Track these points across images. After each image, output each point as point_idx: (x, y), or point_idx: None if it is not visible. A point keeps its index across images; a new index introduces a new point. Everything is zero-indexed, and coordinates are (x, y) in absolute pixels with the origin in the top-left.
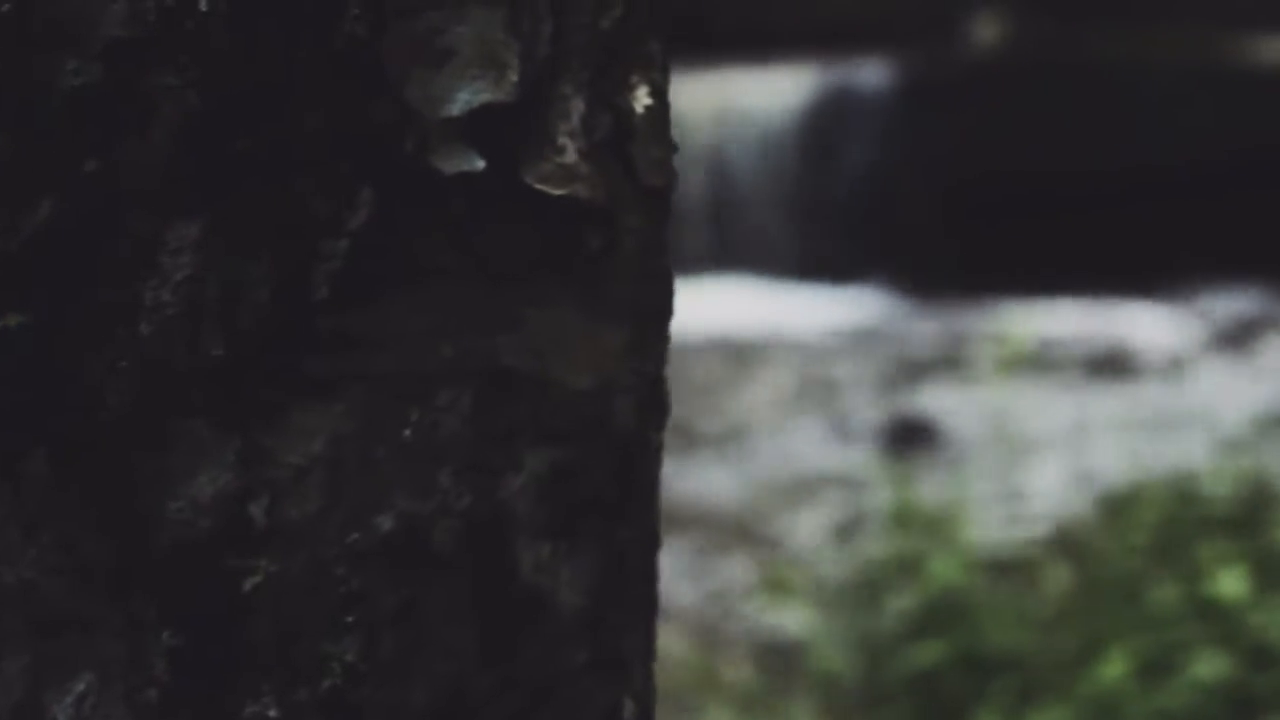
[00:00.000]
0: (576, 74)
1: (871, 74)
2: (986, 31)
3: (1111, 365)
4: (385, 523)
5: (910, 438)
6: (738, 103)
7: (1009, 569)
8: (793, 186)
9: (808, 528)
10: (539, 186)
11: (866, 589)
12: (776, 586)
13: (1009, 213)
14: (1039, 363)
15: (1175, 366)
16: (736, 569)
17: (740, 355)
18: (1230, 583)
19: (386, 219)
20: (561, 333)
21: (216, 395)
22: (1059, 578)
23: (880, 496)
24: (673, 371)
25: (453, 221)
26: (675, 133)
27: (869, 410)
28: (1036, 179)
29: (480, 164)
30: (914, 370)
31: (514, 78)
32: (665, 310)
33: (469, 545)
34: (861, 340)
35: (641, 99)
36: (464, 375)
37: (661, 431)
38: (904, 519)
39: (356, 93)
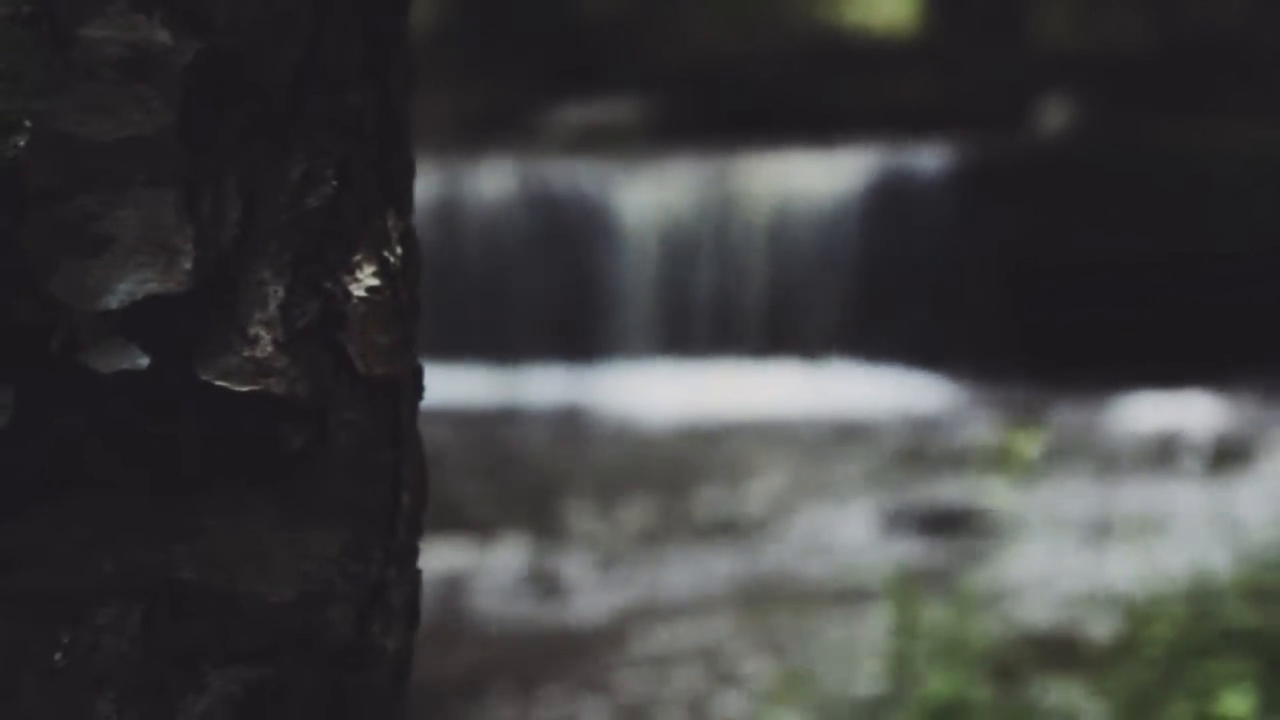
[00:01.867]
0: (276, 257)
1: (932, 158)
2: (1054, 117)
3: (1161, 459)
4: None
5: (947, 527)
6: (798, 186)
7: (1018, 678)
8: (851, 270)
9: (818, 628)
10: (220, 383)
11: (868, 702)
12: (781, 690)
13: (1070, 300)
14: (1091, 454)
15: (1230, 462)
16: (742, 675)
17: (791, 438)
18: (1235, 702)
19: (31, 424)
20: (253, 541)
21: None
22: (1068, 688)
23: (894, 592)
24: (718, 453)
25: (112, 425)
26: (736, 215)
27: (909, 497)
28: (1098, 267)
29: (143, 361)
30: (960, 457)
31: (188, 265)
32: (395, 506)
33: None
34: (912, 426)
35: (365, 281)
36: (130, 592)
37: (403, 637)
38: (914, 621)
39: None
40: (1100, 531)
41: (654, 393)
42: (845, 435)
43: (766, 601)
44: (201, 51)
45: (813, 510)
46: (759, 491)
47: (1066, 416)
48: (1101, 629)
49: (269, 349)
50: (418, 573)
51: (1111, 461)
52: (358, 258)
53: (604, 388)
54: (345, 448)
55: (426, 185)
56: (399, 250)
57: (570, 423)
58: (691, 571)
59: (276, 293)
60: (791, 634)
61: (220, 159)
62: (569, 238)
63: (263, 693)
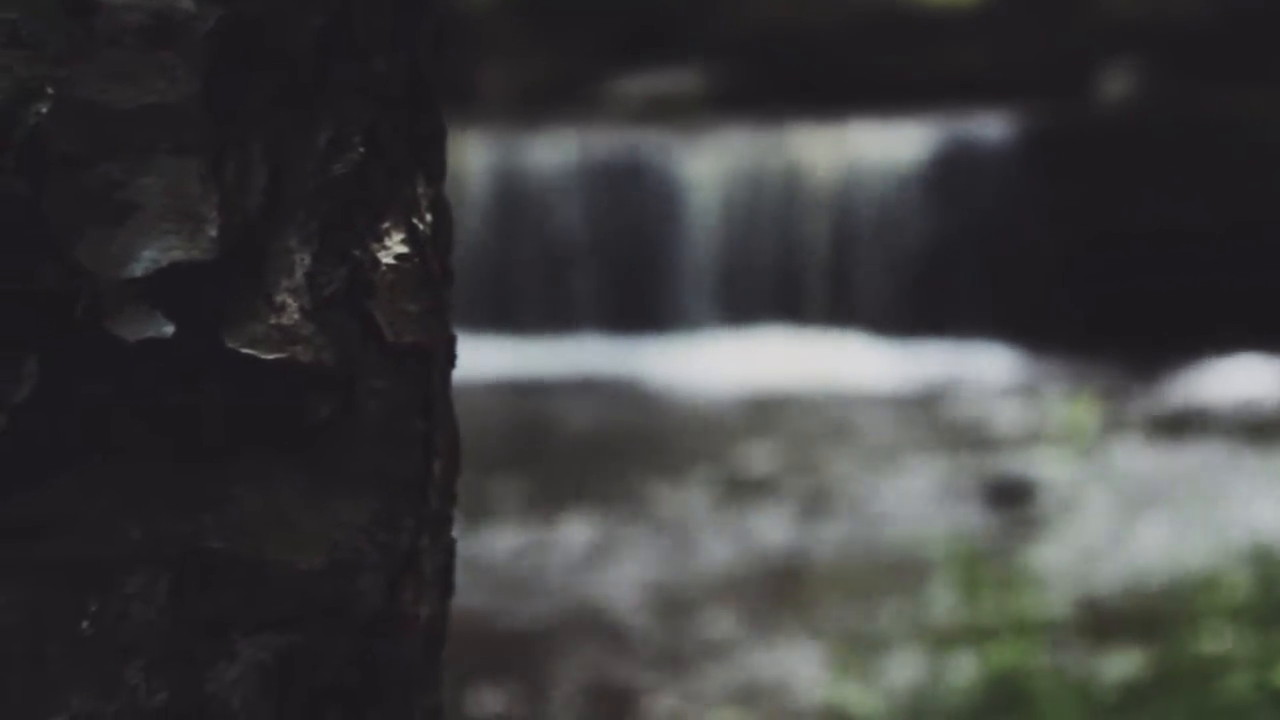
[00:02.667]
0: (303, 225)
1: (994, 128)
2: (1115, 86)
3: (1225, 428)
4: None
5: (1008, 499)
6: (860, 156)
7: (1078, 647)
8: (913, 240)
9: (879, 600)
10: (246, 351)
11: (930, 666)
12: (842, 658)
13: (1133, 270)
14: (1154, 423)
15: None
16: (804, 648)
17: (851, 409)
18: None
19: (56, 392)
20: (281, 509)
21: None
22: (1128, 659)
23: (955, 563)
24: (779, 424)
25: (138, 393)
26: (799, 186)
27: (970, 469)
28: (1162, 236)
29: (168, 329)
30: (1023, 428)
31: (213, 232)
32: (426, 474)
33: None
34: (974, 396)
35: (393, 248)
36: (158, 559)
37: (436, 606)
38: (973, 589)
39: (19, 254)
40: (1164, 501)
41: (715, 364)
42: (907, 405)
43: (827, 573)
44: (224, 18)
45: (875, 481)
46: (821, 462)
47: (1130, 386)
48: (1164, 599)
49: (295, 317)
50: (452, 541)
51: (1174, 430)
52: (386, 225)
53: (665, 359)
54: (374, 416)
55: (487, 157)
56: (429, 217)
57: (630, 394)
58: (747, 542)
59: (303, 260)
60: (852, 605)
61: (245, 126)
62: (630, 209)
63: (293, 660)
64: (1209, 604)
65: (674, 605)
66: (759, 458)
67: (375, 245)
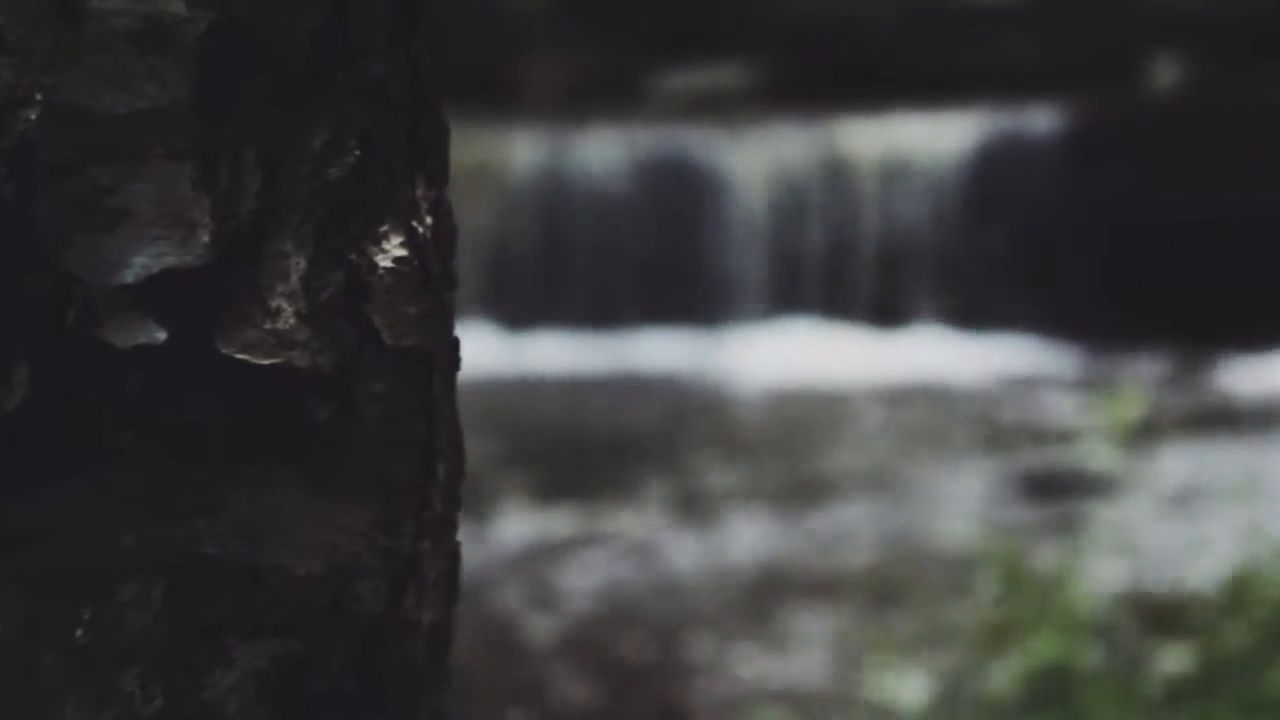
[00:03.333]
0: (298, 228)
1: (1042, 119)
2: (1165, 75)
3: (1273, 422)
4: None
5: (1052, 493)
6: (905, 148)
7: (1122, 641)
8: (959, 233)
9: (922, 594)
10: (241, 356)
11: (973, 661)
12: (885, 654)
13: (1181, 262)
14: (1208, 416)
15: None
16: (845, 643)
17: (896, 403)
18: None
19: (48, 400)
20: (277, 515)
21: None
22: (1171, 654)
23: (998, 558)
24: (826, 418)
25: (129, 400)
26: (845, 178)
27: (1014, 463)
28: (1212, 226)
29: (160, 335)
30: (1070, 422)
31: (205, 238)
32: (427, 478)
33: None
34: (1022, 391)
35: (391, 251)
36: (152, 566)
37: (440, 610)
38: (1016, 585)
39: (8, 262)
40: (1208, 495)
41: (763, 358)
42: (951, 400)
43: (869, 567)
44: (216, 21)
45: (920, 475)
46: (865, 457)
47: (1178, 379)
48: (1206, 591)
49: (291, 321)
50: (456, 545)
51: (1221, 424)
52: (384, 228)
53: (712, 354)
54: (373, 420)
55: (534, 154)
56: (429, 220)
57: (678, 388)
58: (787, 536)
59: (299, 264)
60: (894, 600)
61: (239, 130)
62: (677, 204)
63: (291, 666)
64: (1253, 599)
65: (713, 597)
66: (805, 452)
67: (373, 248)
